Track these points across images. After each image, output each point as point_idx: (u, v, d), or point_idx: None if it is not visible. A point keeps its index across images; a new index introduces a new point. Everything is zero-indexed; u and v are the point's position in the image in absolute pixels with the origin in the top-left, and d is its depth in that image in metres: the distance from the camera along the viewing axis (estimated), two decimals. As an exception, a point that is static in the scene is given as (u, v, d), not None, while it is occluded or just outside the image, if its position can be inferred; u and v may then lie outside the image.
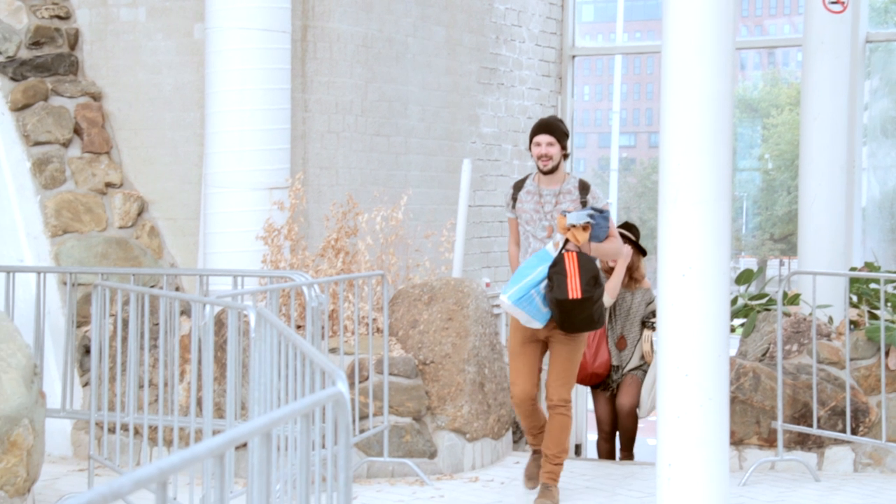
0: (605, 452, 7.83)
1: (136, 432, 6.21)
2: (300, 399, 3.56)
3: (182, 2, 8.00)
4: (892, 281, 6.98)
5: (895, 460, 6.85)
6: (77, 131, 7.89)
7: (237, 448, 5.88)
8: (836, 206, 7.51)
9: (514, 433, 7.67)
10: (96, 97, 8.01)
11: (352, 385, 6.43)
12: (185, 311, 6.80)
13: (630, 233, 7.60)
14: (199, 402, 5.95)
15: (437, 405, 6.78)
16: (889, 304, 7.01)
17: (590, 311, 5.64)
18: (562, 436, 5.82)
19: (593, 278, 5.63)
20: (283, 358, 4.59)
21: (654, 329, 7.52)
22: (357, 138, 8.37)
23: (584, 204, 5.81)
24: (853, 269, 7.76)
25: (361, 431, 6.45)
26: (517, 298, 5.63)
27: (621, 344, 7.59)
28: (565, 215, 5.64)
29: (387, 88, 8.62)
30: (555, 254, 5.66)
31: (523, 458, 7.06)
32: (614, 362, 7.63)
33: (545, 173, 5.87)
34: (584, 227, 5.62)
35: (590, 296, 5.60)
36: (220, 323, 6.46)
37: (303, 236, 7.43)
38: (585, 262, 5.65)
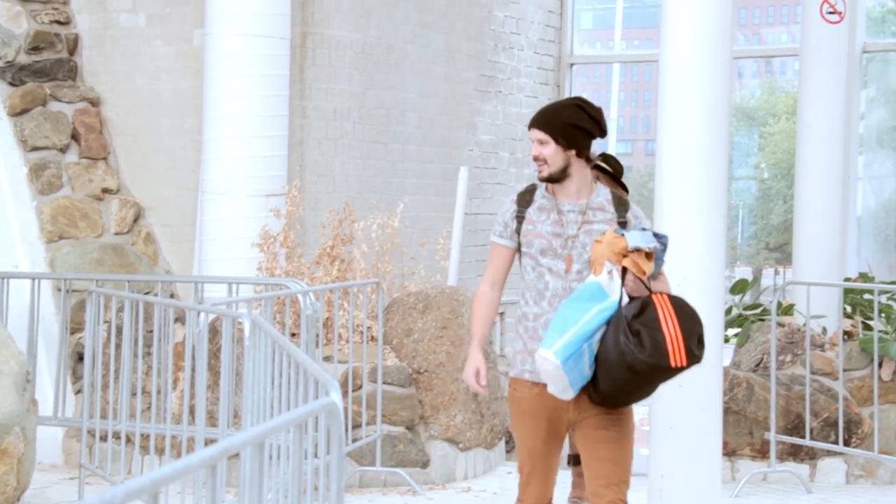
0: None
1: (129, 440, 6.21)
2: (293, 409, 3.56)
3: (182, 8, 8.01)
4: (887, 292, 6.99)
5: (887, 472, 6.86)
6: (75, 137, 7.90)
7: (229, 457, 5.88)
8: (831, 216, 7.53)
9: (507, 443, 7.67)
10: (95, 103, 8.02)
11: (345, 394, 6.43)
12: (180, 319, 6.80)
13: (608, 164, 6.09)
14: (192, 411, 5.94)
15: (431, 414, 6.78)
16: (883, 314, 7.02)
17: (666, 379, 3.92)
18: None
19: (698, 335, 3.83)
20: (276, 366, 4.59)
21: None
22: (354, 145, 8.38)
23: (622, 225, 4.01)
24: (848, 279, 7.77)
25: (354, 440, 6.46)
26: (566, 357, 3.76)
27: None
28: (622, 234, 3.89)
29: (385, 95, 8.63)
30: (613, 289, 3.85)
31: (515, 467, 6.96)
32: None
33: (545, 181, 4.02)
34: (648, 255, 3.90)
35: (694, 362, 3.82)
36: (214, 330, 6.47)
37: (299, 243, 7.43)
38: (683, 308, 3.83)
